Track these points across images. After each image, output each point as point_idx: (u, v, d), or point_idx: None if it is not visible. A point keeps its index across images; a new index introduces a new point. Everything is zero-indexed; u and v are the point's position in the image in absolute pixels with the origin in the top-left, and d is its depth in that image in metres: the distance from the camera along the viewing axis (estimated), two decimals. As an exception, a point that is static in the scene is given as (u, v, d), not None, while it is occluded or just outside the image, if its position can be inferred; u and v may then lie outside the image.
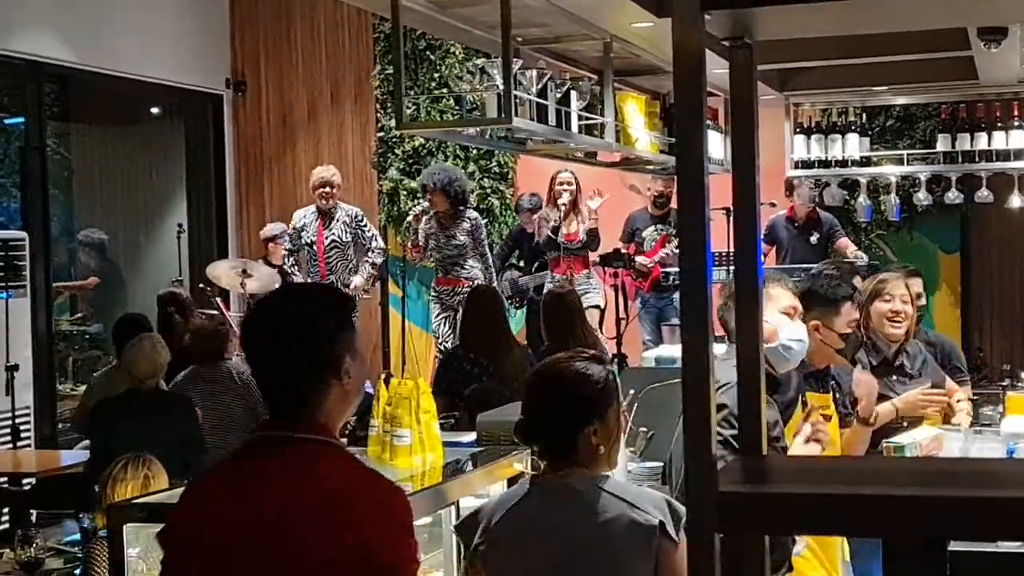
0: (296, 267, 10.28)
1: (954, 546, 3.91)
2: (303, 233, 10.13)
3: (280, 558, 2.64)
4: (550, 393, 3.44)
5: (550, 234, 9.89)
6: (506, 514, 3.42)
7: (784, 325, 4.39)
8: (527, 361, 7.66)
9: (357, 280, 10.03)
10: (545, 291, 8.89)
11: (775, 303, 4.45)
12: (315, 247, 10.06)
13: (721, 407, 3.34)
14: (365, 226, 10.22)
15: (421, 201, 10.01)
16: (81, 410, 8.18)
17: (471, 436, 5.05)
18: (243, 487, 2.72)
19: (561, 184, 9.89)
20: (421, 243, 9.78)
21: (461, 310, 9.48)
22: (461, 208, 9.77)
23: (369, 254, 10.18)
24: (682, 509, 3.23)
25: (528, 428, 3.47)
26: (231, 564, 2.68)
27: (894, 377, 5.60)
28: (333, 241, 10.03)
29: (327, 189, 10.06)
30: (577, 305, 7.56)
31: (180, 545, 2.77)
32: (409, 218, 9.97)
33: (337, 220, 10.08)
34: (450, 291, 9.82)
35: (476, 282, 9.60)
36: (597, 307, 9.80)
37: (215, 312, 10.02)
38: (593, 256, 10.01)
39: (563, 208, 9.83)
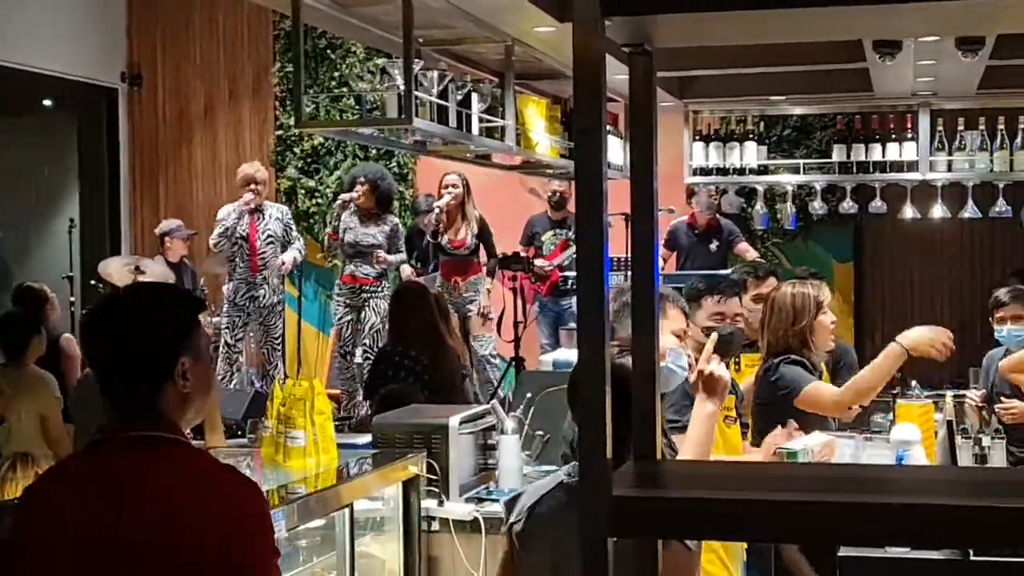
0: (230, 262, 10.09)
1: (844, 551, 3.98)
2: (234, 230, 9.93)
3: (136, 561, 2.60)
4: None
5: (429, 238, 9.79)
6: (540, 499, 3.52)
7: (670, 349, 4.43)
8: (457, 359, 7.59)
9: (288, 256, 9.91)
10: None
11: (668, 323, 4.49)
12: (248, 241, 9.91)
13: None
14: (292, 226, 10.18)
15: (350, 192, 9.89)
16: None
17: (367, 438, 5.03)
18: (93, 489, 2.68)
19: (445, 187, 9.76)
20: (340, 233, 9.73)
21: (370, 308, 9.49)
22: (384, 210, 9.77)
23: (291, 248, 10.09)
24: None
25: None
26: (85, 568, 2.63)
27: None
28: (269, 236, 9.92)
29: (253, 186, 9.92)
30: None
31: (25, 548, 2.71)
32: (336, 204, 9.88)
33: (271, 216, 9.97)
34: (356, 289, 9.75)
35: (382, 282, 9.70)
36: (476, 314, 9.77)
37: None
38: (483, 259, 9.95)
39: (438, 209, 9.65)
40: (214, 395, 4.39)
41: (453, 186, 9.65)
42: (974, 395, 6.91)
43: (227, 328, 10.01)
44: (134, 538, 2.60)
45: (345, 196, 9.74)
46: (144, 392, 2.72)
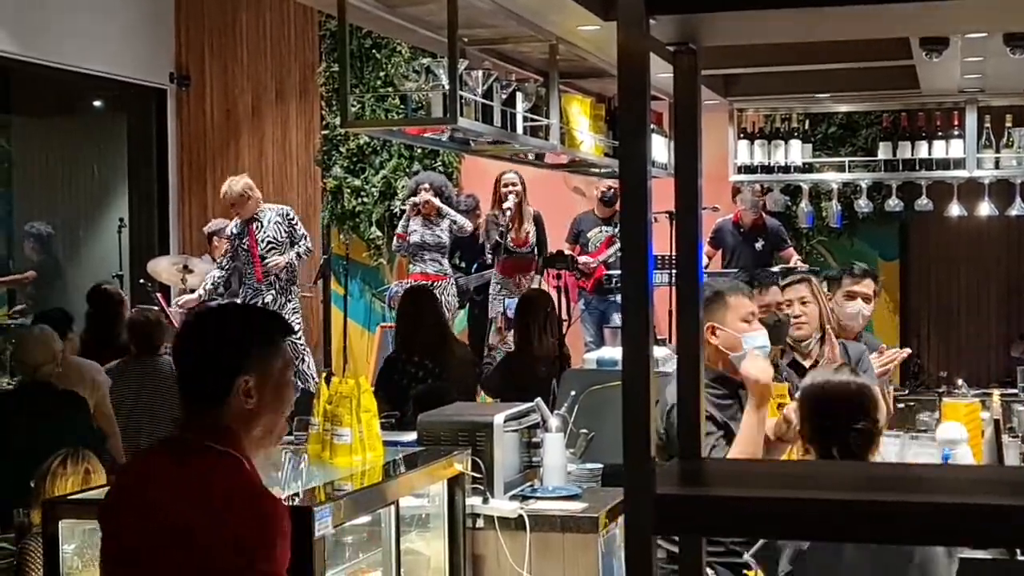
0: (233, 272, 10.14)
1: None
2: (239, 241, 9.98)
3: (163, 558, 2.86)
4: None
5: (498, 238, 9.90)
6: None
7: (746, 334, 4.43)
8: (470, 360, 7.66)
9: (279, 259, 9.90)
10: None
11: (734, 311, 4.50)
12: (250, 253, 9.93)
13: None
14: (296, 224, 10.12)
15: (415, 197, 10.05)
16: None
17: (412, 436, 5.05)
18: (146, 487, 2.95)
19: (506, 186, 9.88)
20: (407, 234, 9.89)
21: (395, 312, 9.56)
22: (445, 211, 9.95)
23: (294, 246, 10.06)
24: None
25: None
26: (128, 554, 2.92)
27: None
28: (269, 242, 9.90)
29: (240, 204, 9.91)
30: (546, 307, 7.52)
31: (104, 536, 3.00)
32: (408, 208, 10.06)
33: (269, 222, 9.94)
34: (428, 285, 9.82)
35: (449, 278, 9.86)
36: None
37: (155, 307, 9.94)
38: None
39: (508, 212, 9.82)
40: None
41: (513, 184, 9.79)
42: None
43: None
44: (167, 539, 2.85)
45: (414, 199, 9.88)
46: (206, 404, 2.93)
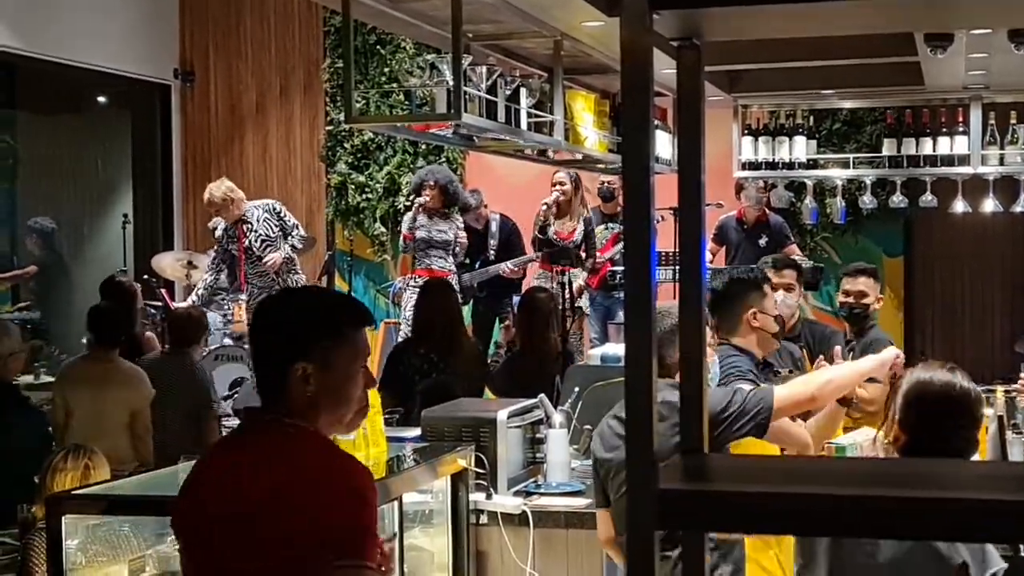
0: (221, 271, 10.10)
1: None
2: (230, 245, 9.96)
3: (246, 532, 2.78)
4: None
5: (538, 233, 9.92)
6: None
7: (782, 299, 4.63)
8: (479, 357, 7.66)
9: (275, 256, 9.87)
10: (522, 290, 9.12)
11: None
12: (237, 258, 9.90)
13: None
14: (285, 216, 10.07)
15: (416, 197, 10.00)
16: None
17: (416, 431, 5.05)
18: (226, 465, 2.91)
19: (554, 185, 9.88)
20: (413, 232, 9.86)
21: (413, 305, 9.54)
22: (451, 208, 9.88)
23: (288, 238, 10.03)
24: (996, 559, 3.26)
25: None
26: (212, 536, 2.85)
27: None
28: (263, 240, 9.85)
29: (219, 209, 9.82)
30: (549, 305, 7.53)
31: (180, 521, 2.97)
32: (412, 210, 9.96)
33: (257, 220, 9.90)
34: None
35: (453, 274, 9.77)
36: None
37: (159, 303, 9.96)
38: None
39: (545, 205, 9.81)
40: None
41: (561, 183, 9.77)
42: None
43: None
44: (248, 514, 2.78)
45: (419, 200, 9.84)
46: (270, 384, 2.92)
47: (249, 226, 9.83)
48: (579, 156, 6.96)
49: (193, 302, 9.87)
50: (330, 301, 3.18)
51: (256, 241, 9.79)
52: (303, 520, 2.72)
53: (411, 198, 10.21)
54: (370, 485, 2.87)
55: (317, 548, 2.71)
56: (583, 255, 9.81)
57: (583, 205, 10.01)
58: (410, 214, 9.89)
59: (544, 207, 9.77)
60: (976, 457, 4.94)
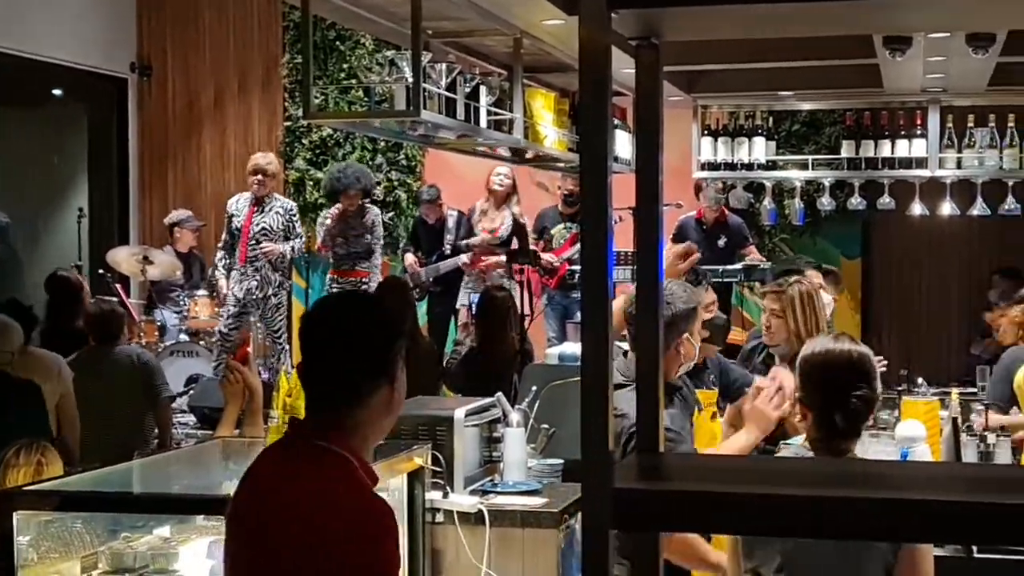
0: (224, 259, 10.09)
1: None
2: (233, 219, 9.96)
3: (266, 554, 2.77)
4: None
5: (466, 229, 9.95)
6: None
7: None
8: (433, 354, 7.65)
9: (276, 246, 9.85)
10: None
11: (698, 321, 4.53)
12: (240, 232, 9.90)
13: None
14: (296, 221, 10.09)
15: (329, 207, 9.99)
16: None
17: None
18: (265, 481, 2.85)
19: (497, 174, 9.89)
20: (329, 243, 9.82)
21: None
22: (367, 203, 9.83)
23: (288, 241, 10.02)
24: None
25: None
26: (248, 554, 2.82)
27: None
28: (264, 228, 9.85)
29: (260, 177, 9.87)
30: (507, 304, 7.55)
31: (227, 530, 2.92)
32: (328, 222, 9.92)
33: (271, 209, 9.92)
34: (356, 282, 9.81)
35: (375, 275, 9.75)
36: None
37: (114, 298, 9.88)
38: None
39: (481, 204, 9.84)
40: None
41: (504, 175, 9.77)
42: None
43: (223, 316, 10.03)
44: (271, 536, 2.76)
45: (333, 211, 9.85)
46: (332, 400, 2.79)
47: (260, 209, 9.83)
48: (537, 154, 6.95)
49: (223, 283, 9.97)
50: (394, 314, 3.08)
51: (256, 226, 9.79)
52: (339, 564, 2.71)
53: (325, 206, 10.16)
54: (395, 525, 2.86)
55: None
56: (538, 253, 9.82)
57: (518, 205, 10.05)
58: (328, 224, 9.87)
59: (483, 204, 9.81)
60: (926, 453, 4.98)
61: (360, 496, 2.80)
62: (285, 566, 2.75)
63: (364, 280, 9.78)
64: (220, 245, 10.18)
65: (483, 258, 9.95)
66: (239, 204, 9.96)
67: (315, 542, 2.71)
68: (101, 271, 10.57)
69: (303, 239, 10.18)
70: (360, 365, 2.78)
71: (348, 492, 2.79)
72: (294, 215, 10.10)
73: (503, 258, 9.68)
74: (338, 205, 9.86)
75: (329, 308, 2.96)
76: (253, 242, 9.84)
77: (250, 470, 2.94)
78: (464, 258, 10.07)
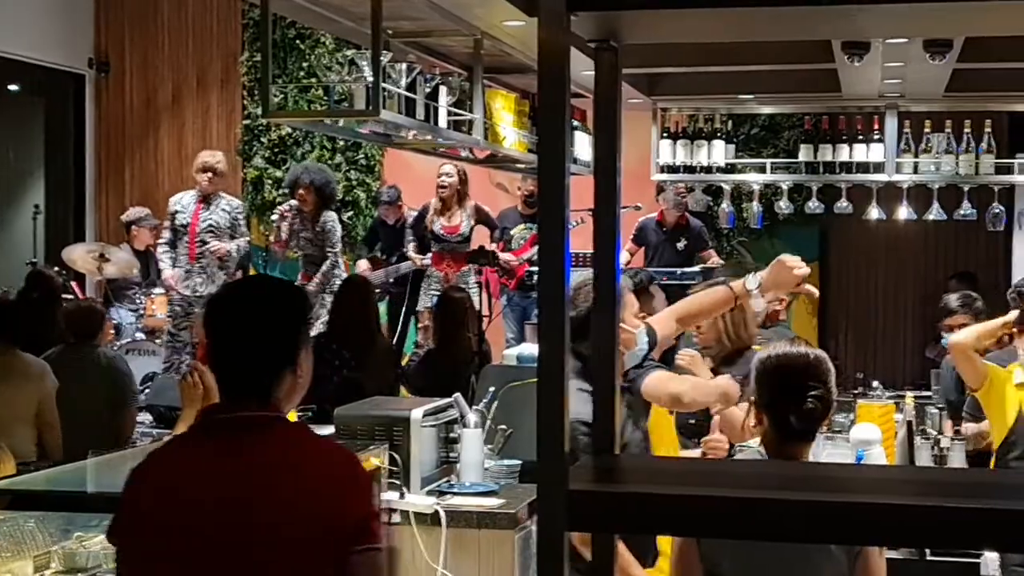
0: (168, 253, 10.00)
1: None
2: (177, 216, 9.88)
3: (251, 537, 2.68)
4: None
5: (423, 228, 9.91)
6: None
7: (641, 331, 4.45)
8: (391, 355, 7.64)
9: (224, 244, 9.76)
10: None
11: (629, 308, 4.51)
12: (188, 228, 9.83)
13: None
14: (241, 220, 10.02)
15: (288, 198, 9.89)
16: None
17: (329, 429, 5.01)
18: (208, 468, 2.74)
19: (440, 176, 9.83)
20: (284, 237, 9.70)
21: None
22: (325, 209, 9.74)
23: (234, 240, 9.95)
24: None
25: None
26: (200, 542, 2.69)
27: None
28: (210, 225, 9.78)
29: (209, 175, 9.79)
30: (465, 305, 7.54)
31: (140, 528, 2.75)
32: (275, 216, 9.85)
33: (217, 206, 9.84)
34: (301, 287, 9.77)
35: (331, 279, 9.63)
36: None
37: (70, 296, 9.80)
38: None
39: (435, 203, 9.80)
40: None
41: (447, 174, 9.73)
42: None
43: (170, 316, 9.98)
44: (254, 519, 2.68)
45: (284, 206, 9.73)
46: (265, 377, 2.80)
47: (206, 206, 9.75)
48: (497, 154, 6.95)
49: (169, 275, 9.84)
50: (298, 289, 3.15)
51: (203, 223, 9.71)
52: (320, 522, 2.68)
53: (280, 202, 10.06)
54: (365, 470, 2.87)
55: (337, 543, 2.68)
56: (497, 253, 9.80)
57: (468, 197, 9.98)
58: (275, 219, 9.76)
59: (435, 203, 9.77)
60: (881, 456, 5.01)
61: (336, 446, 2.87)
62: (286, 535, 2.67)
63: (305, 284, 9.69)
64: (162, 241, 10.04)
65: (444, 256, 9.91)
66: (184, 201, 9.88)
67: (315, 501, 2.69)
68: (56, 269, 10.48)
69: (248, 238, 10.10)
70: (280, 342, 2.82)
71: (323, 444, 2.82)
72: (240, 213, 10.02)
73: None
74: (292, 201, 9.77)
75: (242, 294, 2.99)
76: (199, 241, 9.77)
77: (158, 470, 2.82)
78: (426, 259, 10.04)
